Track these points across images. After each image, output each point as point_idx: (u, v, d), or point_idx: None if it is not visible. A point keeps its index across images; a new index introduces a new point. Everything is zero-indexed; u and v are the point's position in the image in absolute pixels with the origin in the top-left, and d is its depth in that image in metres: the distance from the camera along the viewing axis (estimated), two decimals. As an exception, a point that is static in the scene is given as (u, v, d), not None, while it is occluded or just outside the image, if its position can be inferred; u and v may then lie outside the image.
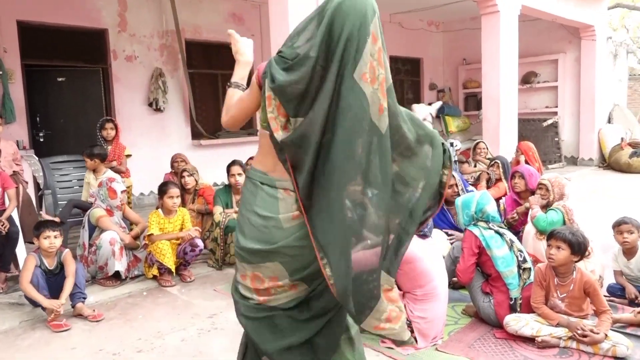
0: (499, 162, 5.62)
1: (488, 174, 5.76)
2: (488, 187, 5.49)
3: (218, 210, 4.71)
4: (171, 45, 8.05)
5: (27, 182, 5.14)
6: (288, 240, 1.77)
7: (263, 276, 1.85)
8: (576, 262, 2.94)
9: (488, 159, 6.64)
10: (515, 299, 3.07)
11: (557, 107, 11.53)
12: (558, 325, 2.88)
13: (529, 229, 3.91)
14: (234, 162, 4.92)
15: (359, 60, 1.61)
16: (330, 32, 1.62)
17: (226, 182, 5.03)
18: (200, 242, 4.33)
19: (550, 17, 9.60)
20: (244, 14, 8.94)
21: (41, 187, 5.47)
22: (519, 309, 3.07)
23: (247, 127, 9.22)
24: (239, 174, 4.81)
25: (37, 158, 5.72)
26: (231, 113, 1.97)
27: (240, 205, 1.93)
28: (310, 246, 1.72)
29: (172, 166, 5.83)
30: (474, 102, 12.52)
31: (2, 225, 4.03)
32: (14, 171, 4.78)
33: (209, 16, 8.50)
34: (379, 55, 1.65)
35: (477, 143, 6.90)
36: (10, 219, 4.19)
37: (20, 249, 4.27)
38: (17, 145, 5.86)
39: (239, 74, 2.08)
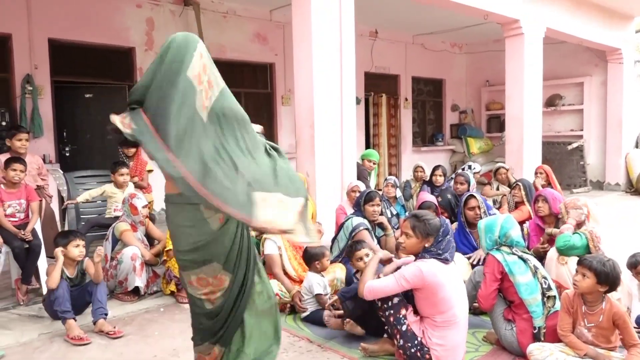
0: (520, 184, 5.51)
1: (507, 197, 5.66)
2: (511, 211, 5.38)
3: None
4: (196, 64, 8.18)
5: (51, 197, 5.23)
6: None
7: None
8: (605, 292, 2.83)
9: (510, 182, 6.54)
10: (539, 327, 2.97)
11: (582, 130, 11.35)
12: (585, 356, 2.76)
13: (552, 255, 3.80)
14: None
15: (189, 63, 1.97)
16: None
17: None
18: (218, 259, 4.31)
19: (576, 40, 9.52)
20: (268, 34, 9.07)
21: (65, 201, 5.55)
22: (542, 338, 2.96)
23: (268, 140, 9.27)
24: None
25: (61, 172, 5.82)
26: None
27: None
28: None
29: None
30: (496, 123, 12.42)
31: (25, 236, 4.12)
32: (37, 185, 4.86)
33: (234, 36, 8.64)
34: (204, 69, 2.00)
35: (498, 168, 6.81)
36: (33, 232, 4.26)
37: (42, 262, 4.32)
38: (44, 160, 5.99)
39: None
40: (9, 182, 4.29)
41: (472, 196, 4.63)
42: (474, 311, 3.68)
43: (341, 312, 3.53)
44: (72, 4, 7.01)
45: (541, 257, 4.11)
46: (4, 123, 6.48)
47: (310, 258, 3.84)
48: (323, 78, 5.26)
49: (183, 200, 2.03)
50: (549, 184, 6.32)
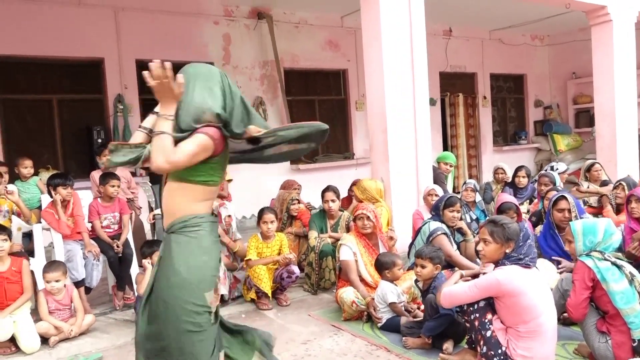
0: (624, 184, 5.06)
1: (609, 197, 5.24)
2: (617, 213, 4.97)
3: (313, 235, 4.76)
4: (271, 75, 8.41)
5: (140, 208, 5.58)
6: None
7: None
8: None
9: (603, 180, 6.05)
10: (638, 340, 2.72)
11: (686, 121, 10.31)
12: (693, 373, 2.50)
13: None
14: (327, 188, 4.97)
15: None
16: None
17: (321, 207, 5.08)
18: (296, 269, 4.38)
19: (675, 22, 8.68)
20: (340, 41, 9.12)
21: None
22: (643, 352, 2.72)
23: (343, 151, 9.33)
24: (332, 200, 4.85)
25: (150, 184, 6.19)
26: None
27: None
28: None
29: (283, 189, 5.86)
30: (586, 118, 11.63)
31: (117, 248, 4.43)
32: (127, 198, 5.20)
33: (306, 44, 8.78)
34: None
35: (593, 164, 6.28)
36: (125, 242, 4.57)
37: (134, 271, 4.62)
38: (134, 174, 6.41)
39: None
40: (107, 196, 4.62)
41: (563, 197, 4.32)
42: (564, 321, 3.46)
43: (418, 318, 3.49)
44: (156, 25, 7.46)
45: (634, 258, 3.79)
46: (99, 140, 7.00)
47: (381, 267, 3.78)
48: (394, 81, 5.20)
49: None
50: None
